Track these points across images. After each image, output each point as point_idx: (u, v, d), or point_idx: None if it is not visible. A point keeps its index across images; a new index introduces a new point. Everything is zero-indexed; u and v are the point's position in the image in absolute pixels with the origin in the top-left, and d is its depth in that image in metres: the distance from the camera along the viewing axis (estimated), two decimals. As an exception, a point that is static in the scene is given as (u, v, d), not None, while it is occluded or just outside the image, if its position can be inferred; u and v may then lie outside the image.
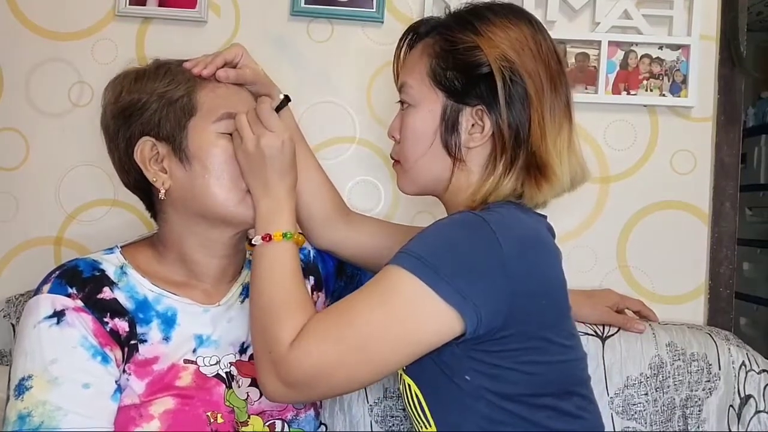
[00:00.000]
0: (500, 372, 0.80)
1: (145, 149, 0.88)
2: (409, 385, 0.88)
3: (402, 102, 0.93)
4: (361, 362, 0.77)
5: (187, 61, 0.92)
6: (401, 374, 0.90)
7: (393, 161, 0.96)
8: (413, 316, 0.77)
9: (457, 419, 0.83)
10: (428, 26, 0.92)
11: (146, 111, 0.88)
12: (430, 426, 0.86)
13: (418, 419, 0.88)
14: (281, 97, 0.97)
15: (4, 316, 1.25)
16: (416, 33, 0.94)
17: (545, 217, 0.92)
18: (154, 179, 0.88)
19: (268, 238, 0.85)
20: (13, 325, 1.23)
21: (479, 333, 0.77)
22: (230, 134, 0.88)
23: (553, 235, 0.91)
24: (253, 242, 0.87)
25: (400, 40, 0.96)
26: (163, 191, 0.88)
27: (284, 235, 0.85)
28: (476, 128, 0.87)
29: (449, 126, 0.87)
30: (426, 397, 0.86)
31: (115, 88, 0.91)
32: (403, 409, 1.18)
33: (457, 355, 0.80)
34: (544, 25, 0.91)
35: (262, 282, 0.85)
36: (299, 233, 0.89)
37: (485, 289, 0.76)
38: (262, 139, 0.85)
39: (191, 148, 0.87)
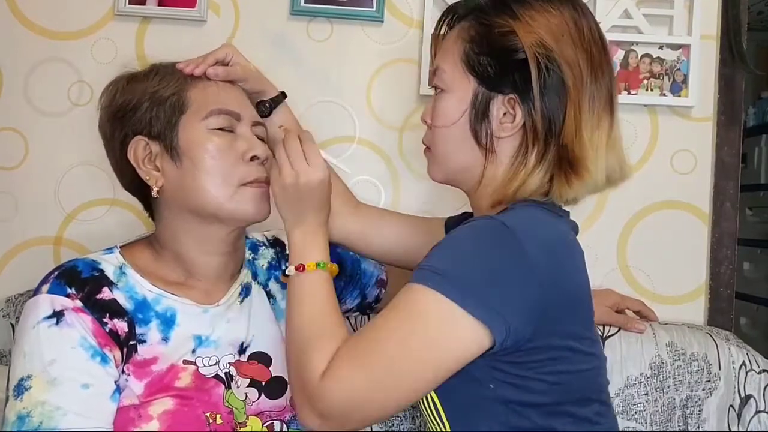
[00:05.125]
0: (524, 382, 0.78)
1: (138, 148, 0.89)
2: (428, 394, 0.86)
3: (435, 87, 0.90)
4: (394, 388, 0.75)
5: (180, 62, 0.93)
6: None
7: (425, 147, 0.94)
8: (443, 336, 0.74)
9: (473, 424, 0.81)
10: (466, 8, 0.89)
11: (138, 111, 0.88)
12: (445, 428, 0.84)
13: (433, 420, 0.86)
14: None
15: (3, 316, 1.25)
16: (455, 14, 0.90)
17: (568, 213, 0.89)
18: (147, 178, 0.89)
19: (301, 268, 0.85)
20: (12, 325, 1.22)
21: (507, 345, 0.74)
22: (220, 129, 0.89)
23: (576, 232, 0.89)
24: (287, 273, 0.87)
25: (439, 21, 0.92)
26: (155, 189, 0.89)
27: (318, 265, 0.85)
28: (507, 117, 0.83)
29: (479, 114, 0.84)
30: (442, 402, 0.84)
31: (110, 92, 0.92)
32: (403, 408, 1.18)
33: (482, 367, 0.77)
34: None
35: (295, 314, 0.84)
36: (333, 263, 0.88)
37: (515, 300, 0.74)
38: (302, 176, 0.85)
39: (182, 145, 0.88)
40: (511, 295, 0.74)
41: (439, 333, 0.74)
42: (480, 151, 0.85)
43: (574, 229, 0.89)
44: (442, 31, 0.92)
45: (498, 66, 0.83)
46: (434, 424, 0.86)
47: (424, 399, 0.86)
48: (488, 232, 0.77)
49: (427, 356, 0.74)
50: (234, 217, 0.89)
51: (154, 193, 0.89)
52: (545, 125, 0.81)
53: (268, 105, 1.00)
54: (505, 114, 0.84)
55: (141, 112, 0.88)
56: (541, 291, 0.74)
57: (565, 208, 0.89)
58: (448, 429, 0.84)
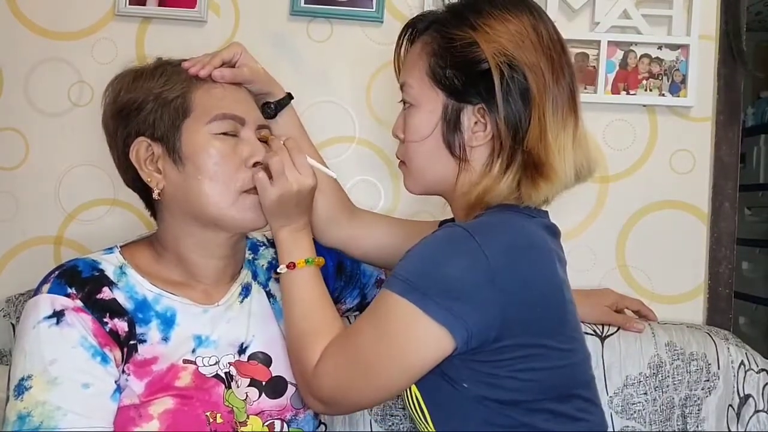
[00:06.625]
0: (497, 380, 0.80)
1: (140, 150, 0.88)
2: (414, 393, 0.87)
3: (404, 101, 0.91)
4: (369, 384, 0.82)
5: (186, 60, 0.92)
6: None
7: (399, 161, 0.95)
8: (408, 338, 0.79)
9: (456, 423, 0.84)
10: (426, 22, 0.91)
11: (142, 111, 0.88)
12: (429, 426, 0.87)
13: (419, 420, 0.88)
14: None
15: (4, 316, 1.25)
16: (415, 29, 0.92)
17: (546, 214, 0.90)
18: (149, 179, 0.88)
19: (292, 266, 0.91)
20: (12, 325, 1.23)
21: (472, 345, 0.78)
22: (224, 134, 0.88)
23: (557, 234, 0.90)
24: (278, 271, 0.93)
25: (399, 36, 0.94)
26: (156, 192, 0.88)
27: (307, 261, 0.92)
28: (479, 126, 0.85)
29: (451, 125, 0.86)
30: (425, 400, 0.86)
31: (115, 88, 0.91)
32: (403, 408, 1.18)
33: (455, 365, 0.80)
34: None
35: (292, 310, 0.91)
36: (319, 257, 0.94)
37: (474, 305, 0.77)
38: (295, 184, 0.88)
39: (185, 150, 0.87)
40: (471, 299, 0.77)
41: (404, 336, 0.79)
42: (454, 161, 0.87)
43: (552, 230, 0.89)
44: (403, 47, 0.94)
45: (464, 77, 0.85)
46: (421, 424, 0.88)
47: (410, 399, 0.87)
48: (451, 240, 0.80)
49: (396, 357, 0.80)
50: (234, 224, 0.90)
51: (155, 195, 0.89)
52: (510, 132, 0.83)
53: (273, 107, 1.00)
54: (476, 123, 0.85)
55: (145, 112, 0.88)
56: (503, 294, 0.77)
57: (543, 208, 0.89)
58: (433, 429, 0.86)
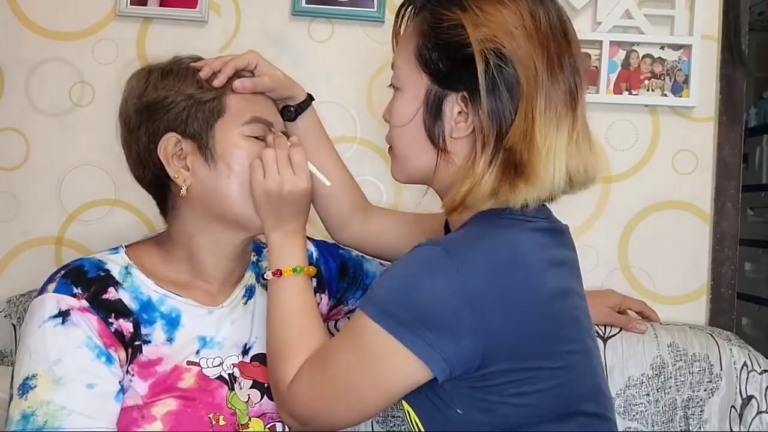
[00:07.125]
0: (490, 406, 0.75)
1: (169, 145, 0.87)
2: (408, 412, 0.85)
3: (392, 84, 0.86)
4: (343, 407, 0.79)
5: (197, 58, 0.92)
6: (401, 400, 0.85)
7: (388, 147, 0.89)
8: (382, 365, 0.75)
9: None
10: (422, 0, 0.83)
11: (173, 109, 0.88)
12: None
13: None
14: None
15: (4, 317, 1.24)
16: (413, 5, 0.84)
17: (546, 213, 0.84)
18: (176, 176, 0.88)
19: (278, 274, 0.87)
20: (13, 326, 1.23)
21: (456, 375, 0.73)
22: (255, 137, 0.89)
23: (559, 232, 0.85)
24: (265, 277, 0.90)
25: (397, 13, 0.86)
26: (184, 188, 0.88)
27: (294, 270, 0.87)
28: (462, 116, 0.78)
29: (432, 113, 0.80)
30: (424, 426, 0.82)
31: (140, 83, 0.90)
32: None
33: (448, 390, 0.76)
34: None
35: (273, 319, 0.87)
36: (310, 266, 0.90)
37: (451, 334, 0.71)
38: (286, 183, 0.85)
39: (218, 148, 0.87)
40: (447, 328, 0.72)
41: (378, 364, 0.75)
42: (435, 151, 0.81)
43: (552, 231, 0.83)
44: (403, 26, 0.86)
45: (449, 62, 0.78)
46: None
47: (410, 423, 0.84)
48: (425, 263, 0.74)
49: (371, 383, 0.76)
50: (256, 226, 0.90)
51: (183, 192, 0.88)
52: (494, 127, 0.76)
53: (293, 110, 0.99)
54: (459, 113, 0.79)
55: (177, 110, 0.87)
56: (483, 319, 0.71)
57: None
58: None
